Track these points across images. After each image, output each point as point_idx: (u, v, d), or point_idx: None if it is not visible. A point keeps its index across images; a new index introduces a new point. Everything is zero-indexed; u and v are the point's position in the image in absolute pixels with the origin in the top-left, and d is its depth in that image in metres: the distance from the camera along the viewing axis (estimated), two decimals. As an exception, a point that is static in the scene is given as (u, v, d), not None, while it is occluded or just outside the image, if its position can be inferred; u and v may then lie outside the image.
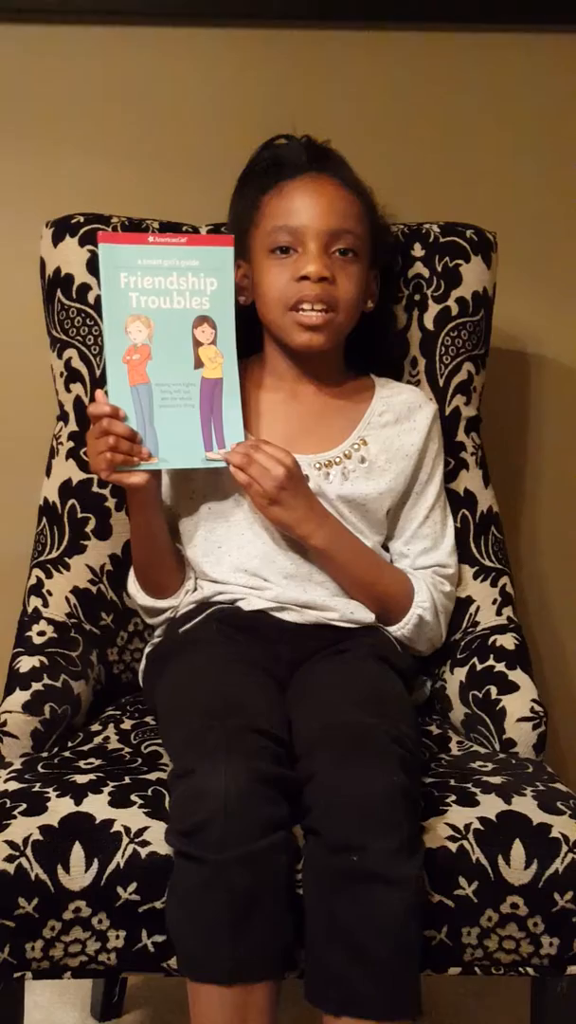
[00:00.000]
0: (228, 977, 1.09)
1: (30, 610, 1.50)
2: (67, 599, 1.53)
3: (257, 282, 1.47)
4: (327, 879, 1.12)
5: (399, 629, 1.46)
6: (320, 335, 1.44)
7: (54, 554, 1.55)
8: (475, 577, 1.56)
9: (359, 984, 1.09)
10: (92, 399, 1.53)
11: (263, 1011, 1.10)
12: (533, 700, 1.39)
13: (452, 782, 1.28)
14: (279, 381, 1.51)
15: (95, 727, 1.44)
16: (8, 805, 1.21)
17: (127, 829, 1.18)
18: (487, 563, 1.57)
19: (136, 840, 1.17)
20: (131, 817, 1.19)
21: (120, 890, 1.15)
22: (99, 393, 1.39)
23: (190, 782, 1.14)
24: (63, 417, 1.59)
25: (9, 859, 1.16)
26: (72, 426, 1.58)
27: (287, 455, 1.38)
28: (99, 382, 1.56)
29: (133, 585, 1.49)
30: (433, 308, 1.62)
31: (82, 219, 1.58)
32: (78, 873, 1.15)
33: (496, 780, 1.28)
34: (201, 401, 1.40)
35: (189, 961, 1.12)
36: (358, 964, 1.09)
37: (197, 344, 1.40)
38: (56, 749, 1.36)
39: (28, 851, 1.16)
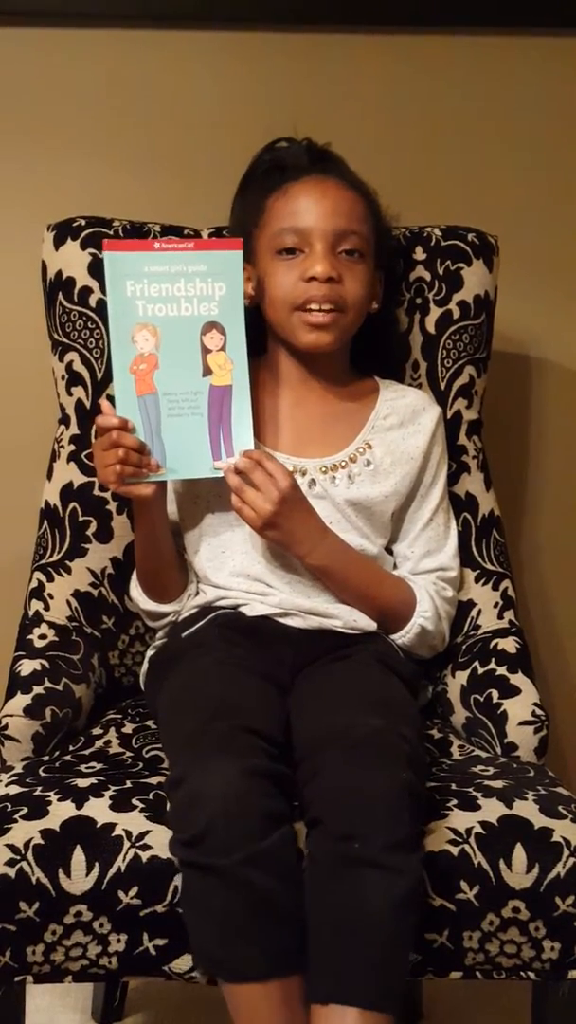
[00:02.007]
0: (265, 974, 1.10)
1: (31, 613, 1.50)
2: (68, 602, 1.53)
3: (263, 283, 1.47)
4: (327, 866, 1.13)
5: (400, 638, 1.46)
6: (327, 334, 1.44)
7: (55, 557, 1.55)
8: (477, 581, 1.56)
9: (346, 971, 1.09)
10: (94, 403, 1.54)
11: (300, 1001, 1.11)
12: (534, 704, 1.39)
13: (453, 786, 1.28)
14: (285, 384, 1.51)
15: (96, 731, 1.44)
16: (9, 809, 1.21)
17: (128, 833, 1.18)
18: (489, 567, 1.57)
19: (137, 844, 1.17)
20: (132, 821, 1.19)
21: (121, 894, 1.15)
22: (105, 404, 1.39)
23: (186, 789, 1.14)
24: (64, 420, 1.59)
25: (10, 863, 1.16)
26: (73, 429, 1.58)
27: (285, 477, 1.37)
28: (100, 385, 1.56)
29: (135, 589, 1.49)
30: (435, 311, 1.62)
31: (83, 222, 1.58)
32: (79, 877, 1.15)
33: (497, 784, 1.28)
34: (209, 409, 1.39)
35: (220, 966, 1.12)
36: (348, 950, 1.09)
37: (206, 351, 1.39)
38: (57, 753, 1.36)
39: (29, 855, 1.16)
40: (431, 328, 1.62)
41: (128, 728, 1.45)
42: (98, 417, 1.37)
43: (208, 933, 1.12)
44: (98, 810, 1.20)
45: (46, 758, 1.34)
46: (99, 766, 1.31)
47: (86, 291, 1.56)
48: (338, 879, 1.11)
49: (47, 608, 1.50)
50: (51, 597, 1.52)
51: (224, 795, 1.11)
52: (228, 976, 1.12)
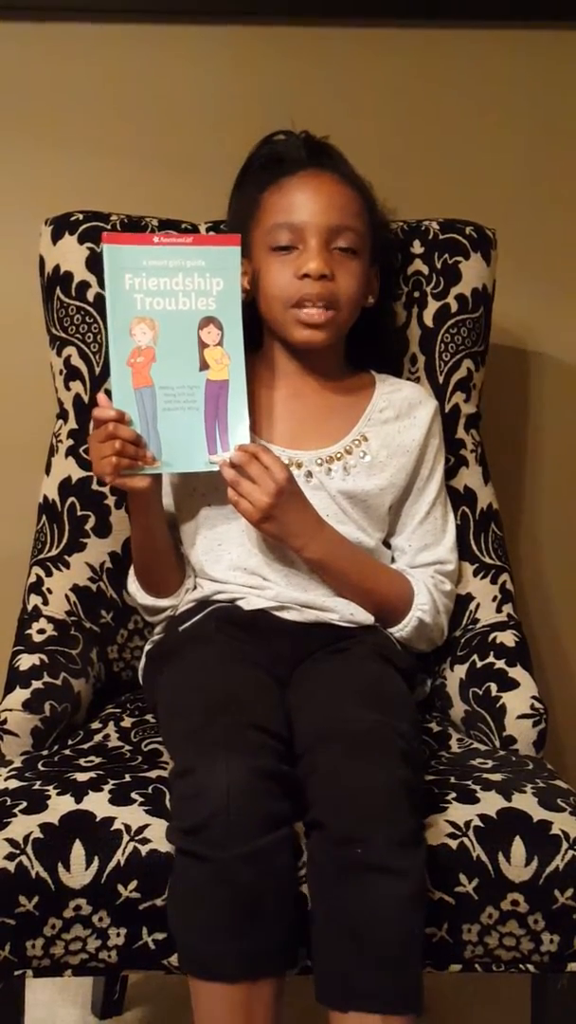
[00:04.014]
0: (233, 975, 1.09)
1: (30, 608, 1.50)
2: (67, 597, 1.53)
3: (258, 279, 1.47)
4: (331, 872, 1.12)
5: (399, 631, 1.46)
6: (321, 332, 1.44)
7: (54, 552, 1.55)
8: (475, 574, 1.56)
9: (364, 978, 1.09)
10: (92, 397, 1.54)
11: (268, 1008, 1.11)
12: (533, 697, 1.39)
13: (452, 779, 1.28)
14: (281, 378, 1.51)
15: (95, 725, 1.44)
16: (8, 803, 1.21)
17: (127, 827, 1.18)
18: (487, 560, 1.57)
19: (136, 838, 1.17)
20: (131, 815, 1.19)
21: (121, 888, 1.15)
22: (102, 396, 1.39)
23: (191, 780, 1.14)
24: (63, 415, 1.59)
25: (10, 857, 1.16)
26: (72, 424, 1.58)
27: (281, 470, 1.37)
28: (99, 380, 1.56)
29: (133, 584, 1.49)
30: (432, 305, 1.62)
31: (81, 217, 1.57)
32: (78, 871, 1.16)
33: (496, 777, 1.28)
34: (206, 403, 1.39)
35: (192, 959, 1.12)
36: (362, 957, 1.09)
37: (203, 346, 1.39)
38: (56, 747, 1.36)
39: (29, 849, 1.16)
40: (429, 322, 1.62)
41: (127, 722, 1.45)
42: (95, 409, 1.37)
43: (188, 923, 1.12)
44: (97, 804, 1.20)
45: (45, 752, 1.35)
46: (98, 760, 1.31)
47: (84, 285, 1.56)
48: (343, 886, 1.11)
49: (46, 603, 1.50)
50: (50, 592, 1.52)
51: (230, 791, 1.11)
52: (197, 971, 1.11)
